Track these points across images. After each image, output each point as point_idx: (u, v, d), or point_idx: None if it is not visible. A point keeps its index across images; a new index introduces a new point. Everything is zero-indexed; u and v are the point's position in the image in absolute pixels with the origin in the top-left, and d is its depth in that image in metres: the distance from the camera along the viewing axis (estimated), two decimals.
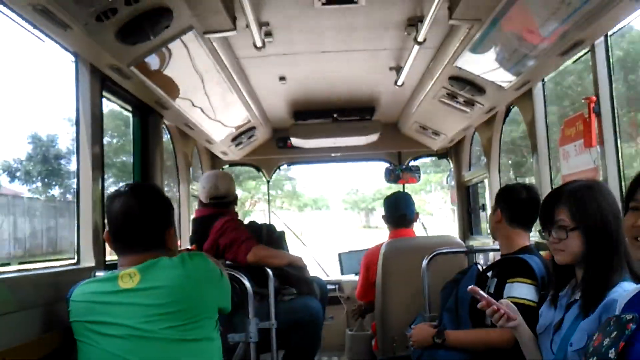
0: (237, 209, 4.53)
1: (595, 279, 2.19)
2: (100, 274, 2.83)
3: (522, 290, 2.80)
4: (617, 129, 3.19)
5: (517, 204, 3.08)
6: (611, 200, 2.30)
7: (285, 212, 38.46)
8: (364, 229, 39.38)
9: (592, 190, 2.31)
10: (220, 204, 4.26)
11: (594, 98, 3.19)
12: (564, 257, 2.31)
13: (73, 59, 3.03)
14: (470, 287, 2.51)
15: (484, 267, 3.31)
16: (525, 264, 2.86)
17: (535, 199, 3.06)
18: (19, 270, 2.57)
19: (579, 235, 2.26)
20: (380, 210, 5.51)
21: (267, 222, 4.70)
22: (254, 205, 35.64)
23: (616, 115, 3.20)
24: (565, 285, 2.35)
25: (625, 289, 2.06)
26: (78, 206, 3.08)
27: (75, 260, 3.04)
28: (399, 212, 4.84)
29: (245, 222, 4.51)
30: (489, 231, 4.01)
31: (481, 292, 2.45)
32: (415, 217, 4.95)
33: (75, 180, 3.12)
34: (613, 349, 1.65)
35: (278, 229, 4.63)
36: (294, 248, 4.82)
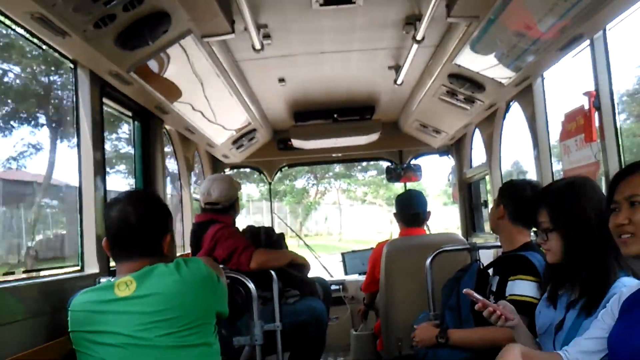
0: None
1: (593, 278, 2.19)
2: (104, 280, 2.84)
3: (524, 287, 2.79)
4: (617, 123, 3.19)
5: (521, 202, 3.05)
6: (596, 197, 2.29)
7: (371, 207, 37.82)
8: None
9: (573, 188, 2.32)
10: (214, 210, 4.23)
11: (594, 92, 3.19)
12: (550, 257, 2.34)
13: (72, 65, 3.03)
14: (465, 290, 2.50)
15: (485, 265, 3.30)
16: (526, 261, 2.85)
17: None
18: (24, 279, 2.57)
19: (557, 236, 2.29)
20: None
21: (265, 226, 4.66)
22: (322, 195, 34.94)
23: (616, 109, 3.20)
24: (563, 284, 2.34)
25: (625, 284, 2.08)
26: (81, 213, 3.08)
27: (79, 267, 3.05)
28: (413, 210, 4.74)
29: (243, 226, 4.51)
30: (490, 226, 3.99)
31: (476, 294, 2.44)
32: (428, 216, 4.89)
33: (77, 187, 3.11)
34: None
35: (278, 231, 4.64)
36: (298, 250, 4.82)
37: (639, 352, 1.75)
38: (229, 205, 4.24)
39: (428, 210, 4.83)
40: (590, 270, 2.20)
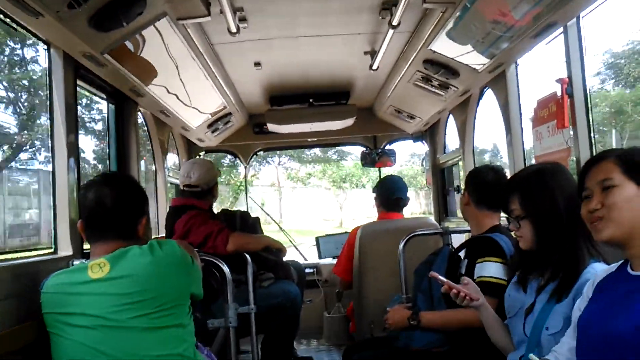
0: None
1: (564, 264, 2.22)
2: (77, 262, 2.83)
3: (491, 268, 2.83)
4: (590, 110, 3.24)
5: (483, 186, 3.10)
6: (566, 183, 2.31)
7: (316, 190, 35.36)
8: None
9: (542, 175, 2.34)
10: (193, 193, 4.25)
11: (567, 79, 3.23)
12: (523, 244, 2.36)
13: (45, 46, 3.00)
14: (430, 273, 2.56)
15: (455, 248, 3.35)
16: (493, 243, 2.89)
17: (502, 180, 3.10)
18: None
19: (528, 223, 2.32)
20: None
21: (241, 210, 4.67)
22: (256, 174, 31.03)
23: (588, 96, 3.25)
24: (533, 268, 2.38)
25: (596, 270, 2.10)
26: (54, 195, 3.06)
27: (52, 250, 3.03)
28: (395, 195, 4.78)
29: (217, 210, 4.52)
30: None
31: (441, 277, 2.49)
32: (406, 202, 4.93)
33: (50, 169, 3.09)
34: None
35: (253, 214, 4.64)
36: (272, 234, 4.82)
37: (610, 334, 1.78)
38: (207, 189, 4.26)
39: (407, 196, 4.88)
40: (562, 256, 2.23)
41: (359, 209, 31.54)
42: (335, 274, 5.08)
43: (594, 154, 3.14)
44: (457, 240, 3.96)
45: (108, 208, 2.45)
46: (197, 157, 6.52)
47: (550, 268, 2.27)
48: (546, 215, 2.28)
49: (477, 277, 2.85)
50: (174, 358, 2.39)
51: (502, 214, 3.02)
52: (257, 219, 4.58)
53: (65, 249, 3.02)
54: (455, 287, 2.43)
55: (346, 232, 6.25)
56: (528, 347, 2.24)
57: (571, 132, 3.27)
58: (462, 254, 3.19)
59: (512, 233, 2.46)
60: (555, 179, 2.32)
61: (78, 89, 3.24)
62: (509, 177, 3.04)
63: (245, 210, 5.19)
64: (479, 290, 2.49)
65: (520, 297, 2.39)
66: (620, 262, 1.95)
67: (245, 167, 7.03)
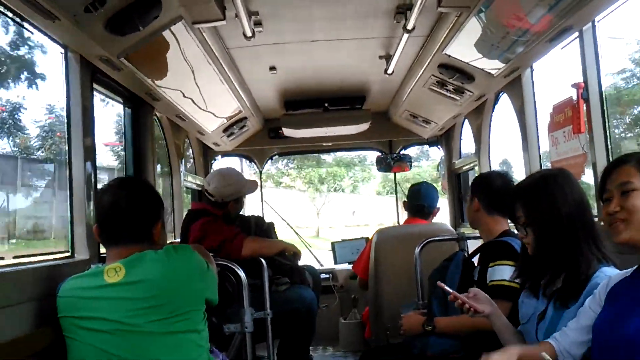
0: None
1: (572, 269, 2.21)
2: (94, 266, 2.84)
3: (504, 272, 2.82)
4: (606, 115, 3.21)
5: (493, 192, 3.11)
6: (569, 190, 2.30)
7: (288, 192, 31.76)
8: None
9: (546, 181, 2.34)
10: (209, 201, 4.26)
11: (582, 84, 3.21)
12: (530, 250, 2.35)
13: (62, 50, 3.02)
14: (438, 283, 2.56)
15: (469, 254, 3.33)
16: (506, 246, 2.89)
17: (509, 184, 3.10)
18: (14, 264, 2.57)
19: (532, 229, 2.31)
20: None
21: (255, 215, 4.67)
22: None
23: (604, 101, 3.23)
24: (544, 274, 2.36)
25: (606, 274, 2.11)
26: (71, 199, 3.07)
27: (69, 254, 3.05)
28: (418, 202, 4.85)
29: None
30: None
31: (446, 287, 2.49)
32: (436, 211, 4.96)
33: (67, 173, 3.11)
34: None
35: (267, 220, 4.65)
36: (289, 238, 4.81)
37: (623, 340, 1.78)
38: (222, 203, 4.23)
39: (438, 206, 4.91)
40: (567, 262, 2.22)
41: (338, 216, 30.06)
42: (354, 272, 5.09)
43: (611, 159, 3.13)
44: (473, 246, 3.94)
45: (123, 212, 2.46)
46: (213, 161, 6.54)
47: (557, 274, 2.26)
48: (547, 221, 2.27)
49: (489, 281, 2.85)
50: None
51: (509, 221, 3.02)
52: (271, 224, 4.58)
53: (83, 253, 3.03)
54: (461, 298, 2.42)
55: (362, 238, 6.27)
56: None
57: (587, 137, 3.25)
58: (475, 260, 3.18)
59: (522, 240, 2.45)
60: (558, 185, 2.31)
61: (94, 92, 3.26)
62: None
63: (260, 215, 5.20)
64: (490, 299, 2.47)
65: (533, 303, 2.39)
66: (635, 267, 1.95)
67: (260, 172, 7.03)
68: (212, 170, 4.50)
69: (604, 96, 3.22)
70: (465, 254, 3.40)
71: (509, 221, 3.11)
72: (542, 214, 2.28)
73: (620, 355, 1.77)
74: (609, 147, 3.17)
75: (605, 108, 3.21)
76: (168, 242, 3.96)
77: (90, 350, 2.33)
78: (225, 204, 4.24)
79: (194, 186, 5.69)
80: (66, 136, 3.10)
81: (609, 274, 2.09)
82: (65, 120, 3.08)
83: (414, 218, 4.88)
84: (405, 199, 5.07)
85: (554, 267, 2.26)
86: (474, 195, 3.18)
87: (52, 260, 2.93)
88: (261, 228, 4.45)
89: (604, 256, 2.20)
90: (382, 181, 31.65)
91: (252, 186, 4.40)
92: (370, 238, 5.01)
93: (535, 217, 2.30)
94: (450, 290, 2.46)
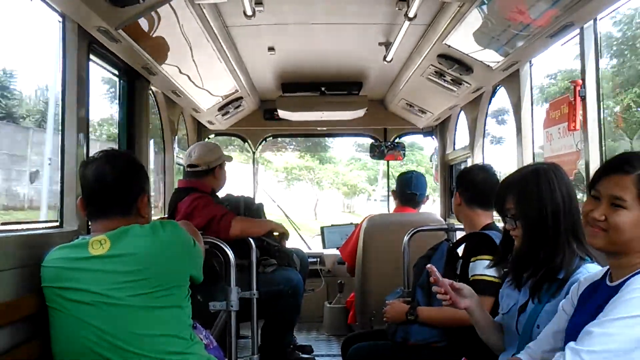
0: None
1: (554, 264, 2.22)
2: (81, 238, 2.83)
3: (484, 267, 2.84)
4: (602, 114, 3.22)
5: (473, 186, 3.12)
6: (558, 184, 2.29)
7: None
8: None
9: (537, 175, 2.33)
10: (194, 173, 4.24)
11: (580, 82, 3.21)
12: (518, 242, 2.35)
13: (60, 19, 2.99)
14: (428, 265, 2.51)
15: (453, 244, 3.35)
16: (488, 240, 2.90)
17: (491, 178, 3.11)
18: (1, 231, 2.56)
19: (522, 222, 2.31)
20: None
21: (245, 195, 4.67)
22: None
23: (601, 100, 3.23)
24: (527, 268, 2.37)
25: (588, 271, 2.12)
26: (62, 169, 3.06)
27: (58, 223, 3.04)
28: (410, 190, 4.87)
29: (222, 195, 4.52)
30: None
31: (437, 272, 2.45)
32: (425, 199, 4.98)
33: (60, 143, 3.09)
34: None
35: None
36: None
37: None
38: (208, 170, 4.24)
39: (427, 194, 4.93)
40: (550, 256, 2.23)
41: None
42: (336, 266, 5.11)
43: (604, 158, 3.13)
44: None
45: (108, 185, 2.45)
46: (207, 139, 6.53)
47: (542, 268, 2.27)
48: (535, 215, 2.28)
49: (471, 275, 2.87)
50: (170, 339, 2.39)
51: (495, 214, 3.03)
52: (261, 205, 4.58)
53: (71, 224, 3.02)
54: (444, 286, 2.41)
55: (352, 224, 6.28)
56: (519, 345, 2.25)
57: (582, 135, 3.26)
58: (460, 250, 3.19)
59: (509, 232, 2.44)
60: (549, 179, 2.31)
61: (90, 63, 3.23)
62: None
63: (250, 196, 5.20)
64: (473, 294, 2.47)
65: (514, 296, 2.40)
66: (605, 270, 1.97)
67: (254, 153, 7.03)
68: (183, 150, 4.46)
69: (601, 95, 3.23)
70: (450, 244, 3.41)
71: (494, 214, 3.12)
72: (531, 207, 2.28)
73: None
74: (603, 146, 3.19)
75: (601, 107, 3.22)
76: (157, 218, 3.96)
77: (72, 321, 2.32)
78: (212, 170, 4.24)
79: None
80: (60, 106, 3.08)
81: (590, 272, 2.09)
82: (60, 90, 3.06)
83: (405, 207, 4.90)
84: (394, 188, 5.07)
85: (538, 260, 2.26)
86: (457, 190, 3.21)
87: (40, 228, 2.93)
88: (250, 208, 4.45)
89: (587, 253, 2.21)
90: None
91: (226, 157, 4.43)
92: (359, 224, 5.02)
93: (524, 210, 2.30)
94: (437, 273, 2.45)
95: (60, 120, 3.08)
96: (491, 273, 2.81)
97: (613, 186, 1.87)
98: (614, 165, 1.91)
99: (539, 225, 2.25)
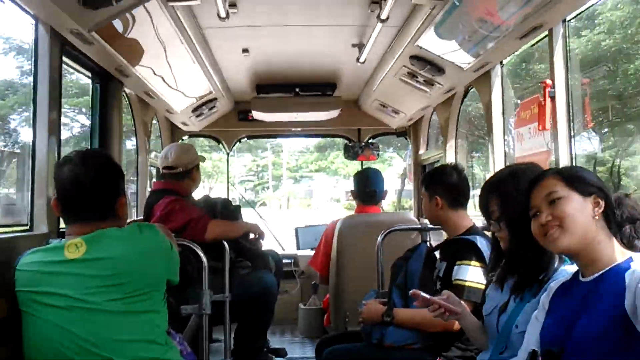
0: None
1: (534, 264, 2.24)
2: (54, 241, 2.80)
3: (471, 273, 2.85)
4: (571, 114, 3.27)
5: (453, 187, 3.12)
6: None
7: None
8: None
9: (514, 176, 2.36)
10: (172, 176, 4.21)
11: (550, 82, 3.26)
12: (504, 244, 2.38)
13: (33, 21, 2.97)
14: (412, 291, 2.46)
15: (432, 247, 3.36)
16: (473, 246, 2.91)
17: (465, 177, 3.15)
18: None
19: (506, 224, 2.33)
20: None
21: (222, 197, 4.66)
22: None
23: (571, 100, 3.28)
24: (519, 267, 2.39)
25: (568, 272, 2.13)
26: (33, 172, 3.02)
27: (28, 227, 3.00)
28: (370, 188, 4.83)
29: (199, 197, 4.51)
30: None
31: (423, 294, 2.43)
32: (384, 195, 4.96)
33: (30, 145, 3.06)
34: None
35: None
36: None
37: (569, 347, 1.82)
38: (186, 172, 4.22)
39: (385, 189, 4.91)
40: (532, 256, 2.26)
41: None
42: (310, 267, 5.09)
43: (574, 156, 3.19)
44: (435, 237, 3.99)
45: (85, 188, 2.40)
46: (180, 141, 6.50)
47: (523, 268, 2.29)
48: (518, 216, 2.30)
49: (454, 279, 2.88)
50: (146, 344, 2.37)
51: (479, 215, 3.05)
52: (238, 207, 4.56)
53: (42, 227, 2.98)
54: (436, 302, 2.39)
55: (325, 225, 6.27)
56: (497, 344, 2.27)
57: (552, 135, 3.31)
58: (438, 254, 3.20)
59: (495, 234, 2.46)
60: (526, 180, 2.34)
61: (63, 66, 3.21)
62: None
63: (227, 197, 5.19)
64: (459, 301, 2.47)
65: (497, 296, 2.41)
66: (573, 272, 2.02)
67: (228, 154, 7.01)
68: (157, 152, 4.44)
69: (570, 95, 3.28)
70: (429, 244, 3.43)
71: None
72: (514, 207, 2.30)
73: (572, 354, 1.81)
74: (572, 145, 3.23)
75: (571, 107, 3.27)
76: (132, 219, 3.94)
77: (47, 326, 2.30)
78: (189, 172, 4.23)
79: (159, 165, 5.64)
80: (32, 108, 3.05)
81: (569, 272, 2.12)
82: (32, 92, 3.03)
83: (367, 206, 4.84)
84: (352, 189, 5.03)
85: (528, 260, 2.28)
86: (434, 194, 3.14)
87: (10, 232, 2.89)
88: (228, 209, 4.44)
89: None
90: None
91: (200, 157, 4.43)
92: (327, 228, 5.00)
93: (506, 212, 2.32)
94: (428, 296, 2.42)
95: (31, 122, 3.05)
96: (476, 279, 2.82)
97: (542, 190, 1.97)
98: (534, 179, 2.03)
99: (522, 225, 2.28)
